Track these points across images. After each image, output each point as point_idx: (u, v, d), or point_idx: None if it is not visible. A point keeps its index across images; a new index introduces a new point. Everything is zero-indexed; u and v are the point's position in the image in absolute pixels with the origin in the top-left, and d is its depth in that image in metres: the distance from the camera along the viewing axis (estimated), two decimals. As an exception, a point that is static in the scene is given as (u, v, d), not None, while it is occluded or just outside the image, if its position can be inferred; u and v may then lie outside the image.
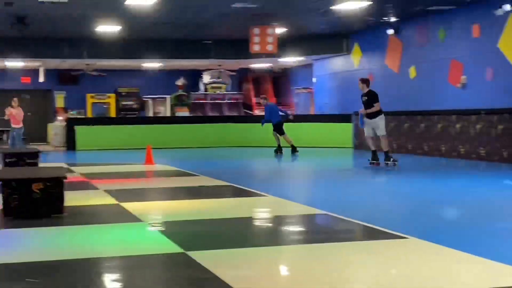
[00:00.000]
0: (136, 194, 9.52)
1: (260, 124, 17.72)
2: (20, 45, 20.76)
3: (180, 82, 25.97)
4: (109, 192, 9.34)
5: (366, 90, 13.08)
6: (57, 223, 6.90)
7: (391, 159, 12.95)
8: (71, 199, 7.89)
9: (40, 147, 16.85)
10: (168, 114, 26.03)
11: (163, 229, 6.57)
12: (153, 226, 6.77)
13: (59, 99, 26.36)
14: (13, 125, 15.84)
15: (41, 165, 11.55)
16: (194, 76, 27.05)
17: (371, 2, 14.98)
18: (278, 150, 17.17)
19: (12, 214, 7.06)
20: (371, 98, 12.95)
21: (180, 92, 25.77)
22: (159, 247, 5.69)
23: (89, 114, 26.22)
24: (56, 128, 23.23)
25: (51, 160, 15.17)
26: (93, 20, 17.79)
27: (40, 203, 7.08)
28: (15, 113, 15.99)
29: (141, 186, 10.79)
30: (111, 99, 26.78)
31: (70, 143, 20.96)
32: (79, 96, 26.43)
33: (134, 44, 21.73)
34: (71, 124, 21.41)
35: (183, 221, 7.05)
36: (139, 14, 16.47)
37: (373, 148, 13.07)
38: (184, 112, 25.12)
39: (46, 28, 18.90)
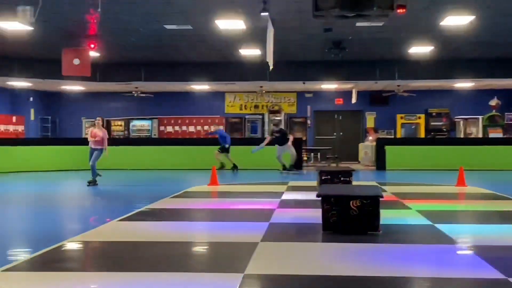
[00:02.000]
0: (449, 216, 9.39)
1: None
2: (335, 69, 21.82)
3: (493, 102, 24.97)
4: (422, 212, 9.35)
5: (277, 129, 19.19)
6: (372, 240, 7.10)
7: (293, 170, 18.92)
8: (385, 217, 8.06)
9: (352, 165, 17.48)
10: (480, 135, 25.19)
11: (479, 253, 6.40)
12: (469, 249, 6.63)
13: (370, 120, 27.05)
14: (93, 146, 14.86)
15: (353, 183, 11.97)
16: (508, 95, 25.85)
17: None
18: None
19: (331, 228, 7.45)
20: (283, 135, 19.00)
21: (493, 112, 24.78)
22: (477, 272, 5.55)
23: (399, 135, 26.45)
24: (366, 147, 23.85)
25: (362, 178, 15.62)
26: (406, 42, 18.00)
27: (357, 219, 7.37)
28: (96, 134, 14.86)
29: (453, 208, 10.61)
30: (420, 119, 26.71)
31: (380, 162, 21.37)
32: (389, 117, 26.84)
33: (445, 64, 21.51)
34: (381, 143, 21.81)
35: (499, 246, 6.79)
36: (453, 34, 16.27)
37: (283, 163, 19.10)
38: (497, 134, 24.07)
39: (360, 52, 19.59)
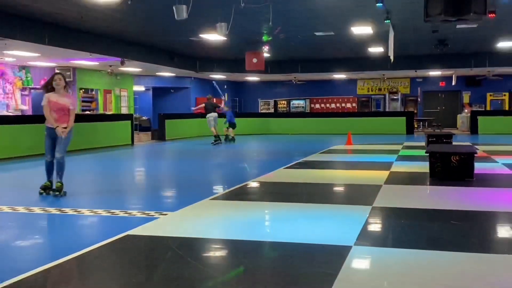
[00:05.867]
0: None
1: None
2: (439, 60, 20.49)
3: None
4: (506, 165, 8.64)
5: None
6: (468, 184, 6.70)
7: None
8: (477, 168, 7.55)
9: (452, 131, 16.40)
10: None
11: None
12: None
13: (465, 97, 25.22)
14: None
15: (453, 143, 11.28)
16: None
17: None
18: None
19: (436, 176, 7.11)
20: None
21: None
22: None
23: (488, 108, 24.47)
24: (462, 118, 22.32)
25: (460, 140, 14.68)
26: (495, 38, 16.50)
27: (456, 170, 6.98)
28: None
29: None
30: (505, 97, 24.50)
31: (473, 129, 19.89)
32: (481, 95, 24.86)
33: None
34: (474, 115, 20.29)
35: None
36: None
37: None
38: None
39: (459, 46, 18.22)
